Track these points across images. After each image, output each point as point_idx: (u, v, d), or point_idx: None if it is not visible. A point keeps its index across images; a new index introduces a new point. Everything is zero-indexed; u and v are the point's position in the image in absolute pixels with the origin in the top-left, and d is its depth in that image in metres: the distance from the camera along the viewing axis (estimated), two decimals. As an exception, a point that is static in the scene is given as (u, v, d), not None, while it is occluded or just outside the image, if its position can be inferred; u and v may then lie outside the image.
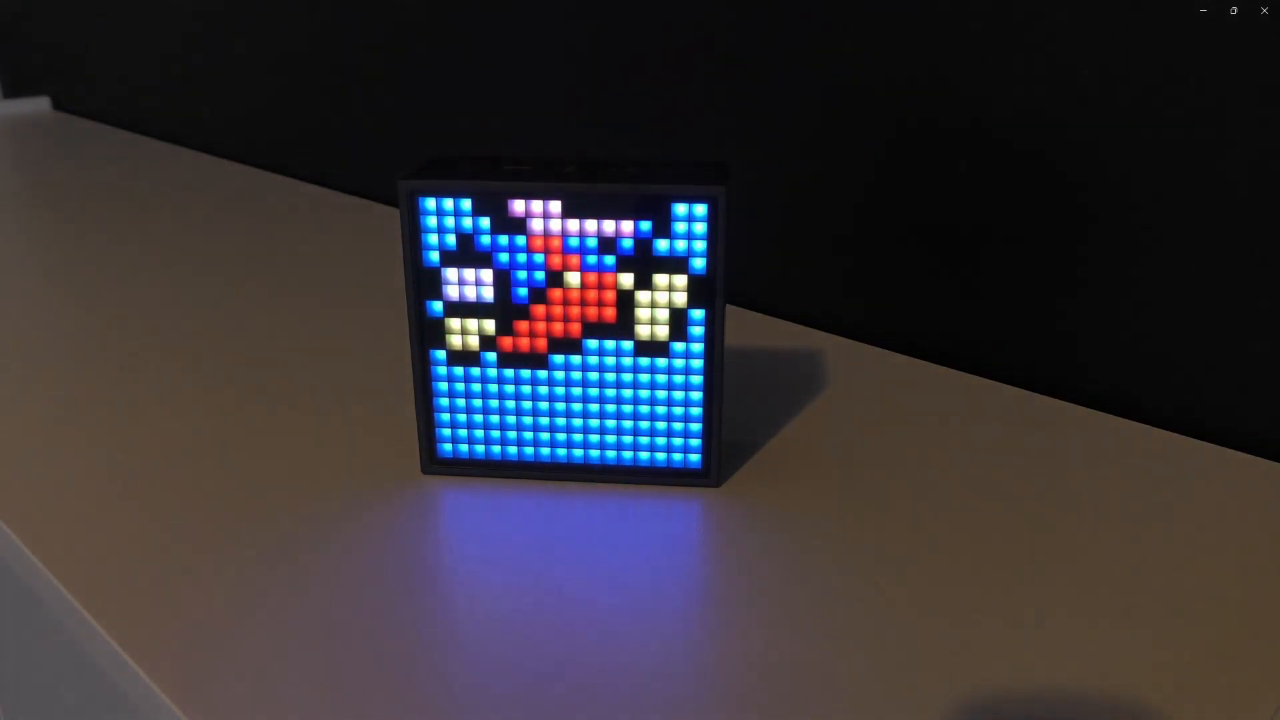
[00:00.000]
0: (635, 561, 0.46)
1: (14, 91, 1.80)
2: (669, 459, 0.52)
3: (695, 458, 0.52)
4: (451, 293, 0.50)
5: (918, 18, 0.64)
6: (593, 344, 0.50)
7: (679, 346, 0.50)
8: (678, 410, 0.51)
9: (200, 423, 0.60)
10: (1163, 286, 0.59)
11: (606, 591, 0.44)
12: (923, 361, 0.68)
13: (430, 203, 0.49)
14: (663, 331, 0.50)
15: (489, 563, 0.46)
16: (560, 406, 0.52)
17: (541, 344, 0.51)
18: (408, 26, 0.99)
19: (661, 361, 0.50)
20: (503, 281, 0.50)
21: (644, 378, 0.51)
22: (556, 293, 0.50)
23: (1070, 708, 0.38)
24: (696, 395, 0.51)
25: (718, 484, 0.52)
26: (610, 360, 0.51)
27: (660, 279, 0.49)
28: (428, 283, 0.50)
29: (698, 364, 0.50)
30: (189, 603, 0.44)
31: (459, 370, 0.52)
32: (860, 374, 0.66)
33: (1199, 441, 0.57)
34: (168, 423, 0.60)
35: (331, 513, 0.50)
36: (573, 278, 0.49)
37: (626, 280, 0.49)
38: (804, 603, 0.43)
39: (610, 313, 0.50)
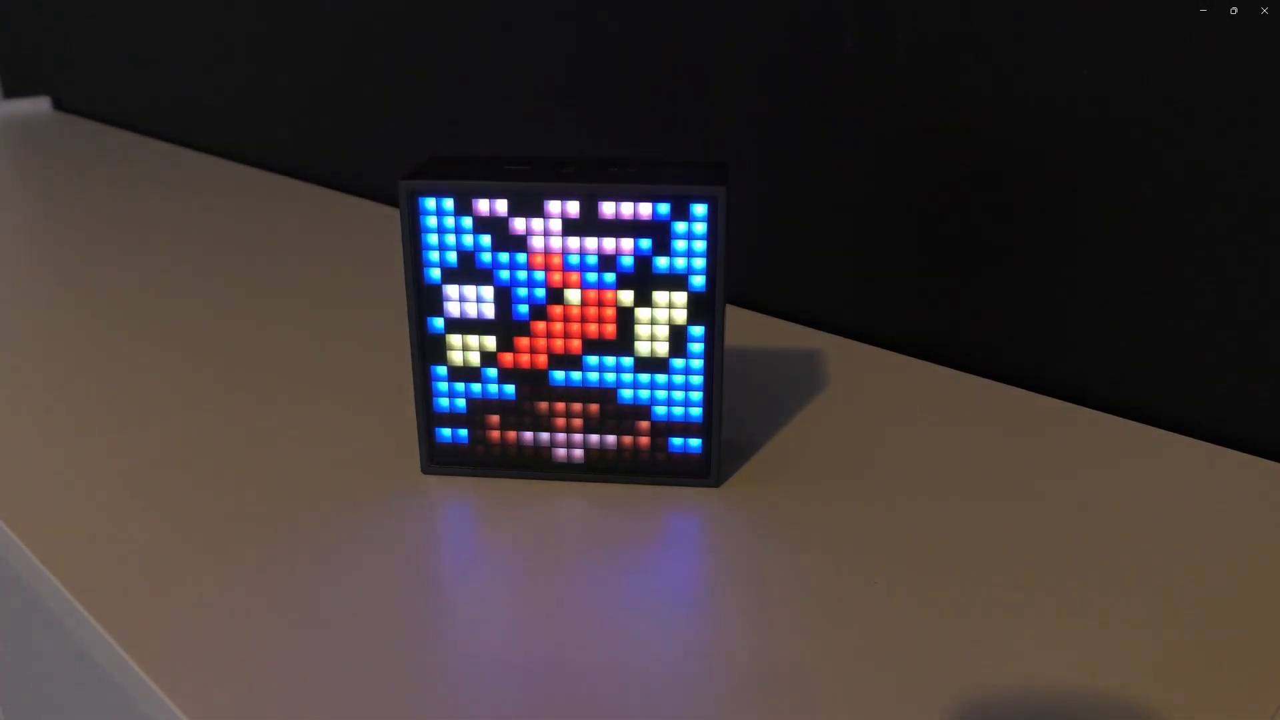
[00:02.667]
0: (635, 561, 0.46)
1: (14, 91, 1.80)
2: (669, 459, 0.52)
3: (695, 458, 0.52)
4: (452, 310, 0.50)
5: (917, 19, 0.64)
6: (593, 360, 0.51)
7: (679, 360, 0.50)
8: (678, 411, 0.51)
9: (200, 422, 0.60)
10: (1163, 286, 0.59)
11: (606, 591, 0.44)
12: (923, 361, 0.68)
13: (430, 203, 0.49)
14: (663, 331, 0.50)
15: (489, 563, 0.46)
16: (560, 407, 0.52)
17: (542, 360, 0.51)
18: (408, 26, 0.99)
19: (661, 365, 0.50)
20: (503, 299, 0.50)
21: (644, 378, 0.51)
22: (557, 309, 0.50)
23: (1070, 708, 0.38)
24: (697, 396, 0.51)
25: (718, 484, 0.52)
26: (610, 361, 0.51)
27: (661, 279, 0.49)
28: (428, 290, 0.50)
29: (698, 364, 0.50)
30: (189, 602, 0.44)
31: (460, 370, 0.52)
32: (860, 374, 0.66)
33: (1199, 441, 0.57)
34: (168, 422, 0.60)
35: (332, 513, 0.50)
36: (573, 295, 0.49)
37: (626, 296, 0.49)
38: (804, 602, 0.43)
39: (610, 329, 0.50)
